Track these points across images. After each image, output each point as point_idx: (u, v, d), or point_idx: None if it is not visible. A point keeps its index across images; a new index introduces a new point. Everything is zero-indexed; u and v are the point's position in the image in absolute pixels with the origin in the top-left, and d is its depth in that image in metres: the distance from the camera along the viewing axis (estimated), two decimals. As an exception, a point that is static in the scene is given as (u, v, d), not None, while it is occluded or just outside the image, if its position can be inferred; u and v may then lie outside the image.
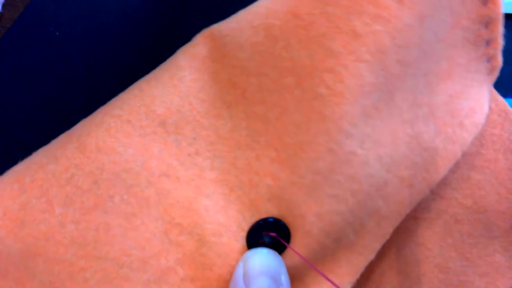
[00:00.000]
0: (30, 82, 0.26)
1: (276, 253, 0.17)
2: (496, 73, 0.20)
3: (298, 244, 0.18)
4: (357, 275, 0.19)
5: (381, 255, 0.21)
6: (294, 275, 0.18)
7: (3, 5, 0.25)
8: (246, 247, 0.17)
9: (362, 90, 0.16)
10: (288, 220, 0.17)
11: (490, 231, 0.20)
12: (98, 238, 0.16)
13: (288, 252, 0.18)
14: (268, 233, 0.17)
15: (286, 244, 0.17)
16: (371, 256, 0.19)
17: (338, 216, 0.17)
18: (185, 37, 0.26)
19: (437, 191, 0.20)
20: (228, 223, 0.17)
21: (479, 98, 0.20)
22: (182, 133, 0.17)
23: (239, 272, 0.16)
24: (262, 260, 0.17)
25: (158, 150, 0.17)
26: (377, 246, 0.19)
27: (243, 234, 0.17)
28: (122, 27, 0.27)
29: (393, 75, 0.16)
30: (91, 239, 0.16)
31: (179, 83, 0.17)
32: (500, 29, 0.19)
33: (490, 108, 0.21)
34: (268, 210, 0.17)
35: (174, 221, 0.17)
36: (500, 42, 0.19)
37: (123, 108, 0.17)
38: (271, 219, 0.17)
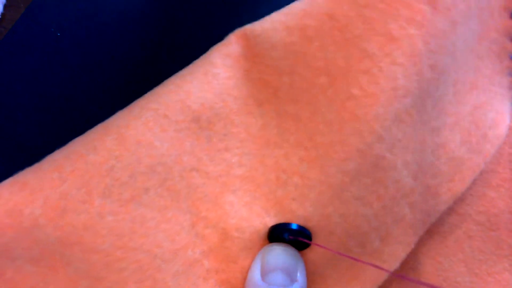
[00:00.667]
0: (31, 83, 0.26)
1: (295, 250, 0.17)
2: None
3: (321, 244, 0.18)
4: (378, 284, 0.19)
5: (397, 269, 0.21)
6: (315, 275, 0.18)
7: (5, 6, 0.25)
8: (267, 241, 0.18)
9: (396, 94, 0.16)
10: (313, 221, 0.18)
11: (501, 249, 0.20)
12: (134, 229, 0.16)
13: (309, 252, 0.18)
14: (290, 230, 0.17)
15: (307, 241, 0.17)
16: (395, 264, 0.19)
17: (363, 219, 0.18)
18: (186, 38, 0.26)
19: (452, 206, 0.21)
20: (251, 219, 0.18)
21: (502, 111, 0.20)
22: (214, 129, 0.18)
23: (257, 265, 0.17)
24: (279, 255, 0.17)
25: (190, 145, 0.17)
26: (402, 255, 0.19)
27: (266, 230, 0.18)
28: (123, 27, 0.27)
29: (426, 80, 0.16)
30: (128, 231, 0.16)
31: (213, 79, 0.18)
32: None
33: (510, 127, 0.21)
34: (293, 209, 0.18)
35: (200, 214, 0.17)
36: None
37: (160, 102, 0.17)
38: (294, 226, 0.17)
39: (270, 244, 0.18)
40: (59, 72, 0.25)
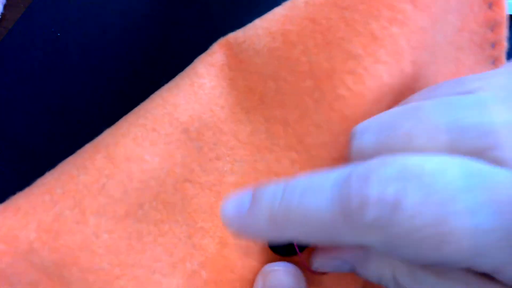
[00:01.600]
0: (31, 83, 0.26)
1: (293, 268, 0.17)
2: None
3: None
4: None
5: None
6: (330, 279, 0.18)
7: (5, 6, 0.25)
8: (266, 248, 0.18)
9: (380, 91, 0.16)
10: None
11: None
12: (131, 246, 0.16)
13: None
14: None
15: (298, 252, 0.17)
16: None
17: None
18: (186, 38, 0.26)
19: None
20: None
21: None
22: (203, 139, 0.18)
23: (259, 286, 0.17)
24: (277, 277, 0.17)
25: (181, 157, 0.17)
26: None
27: None
28: (124, 28, 0.27)
29: (407, 75, 0.17)
30: (125, 248, 0.16)
31: (199, 90, 0.18)
32: (505, 31, 0.20)
33: None
34: None
35: (197, 225, 0.18)
36: (505, 45, 0.20)
37: (147, 117, 0.17)
38: None
39: (268, 265, 0.18)
40: (59, 72, 0.25)
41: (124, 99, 0.26)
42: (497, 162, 0.11)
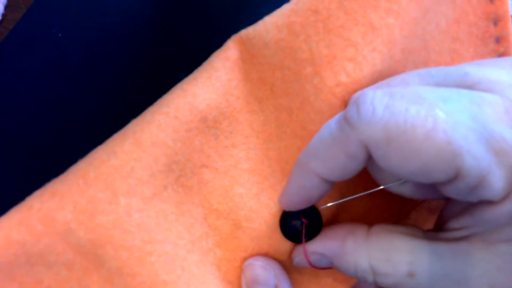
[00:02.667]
0: (33, 83, 0.26)
1: (272, 263, 0.19)
2: None
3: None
4: None
5: None
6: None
7: (6, 6, 0.25)
8: (277, 231, 0.19)
9: (373, 77, 0.17)
10: (318, 206, 0.19)
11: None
12: (159, 224, 0.17)
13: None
14: (299, 218, 0.19)
15: (303, 240, 0.19)
16: None
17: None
18: (187, 38, 0.26)
19: None
20: (259, 209, 0.19)
21: None
22: (220, 128, 0.19)
23: (242, 280, 0.19)
24: (254, 271, 0.19)
25: (199, 143, 0.18)
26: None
27: (275, 220, 0.19)
28: (124, 28, 0.27)
29: (396, 62, 0.18)
30: (154, 226, 0.17)
31: (216, 82, 0.19)
32: (510, 27, 0.20)
33: None
34: None
35: (212, 207, 0.19)
36: (511, 40, 0.20)
37: (169, 106, 0.18)
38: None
39: (250, 259, 0.19)
40: (60, 72, 0.25)
41: (125, 98, 0.26)
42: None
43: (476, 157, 0.12)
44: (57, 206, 0.16)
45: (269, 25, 0.18)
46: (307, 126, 0.18)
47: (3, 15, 0.25)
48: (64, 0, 0.27)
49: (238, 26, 0.19)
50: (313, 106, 0.18)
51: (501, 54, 0.20)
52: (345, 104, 0.17)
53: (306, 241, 0.18)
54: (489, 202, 0.13)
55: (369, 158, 0.15)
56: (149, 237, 0.17)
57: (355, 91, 0.17)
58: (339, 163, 0.15)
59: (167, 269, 0.17)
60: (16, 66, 0.25)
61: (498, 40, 0.20)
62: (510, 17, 0.20)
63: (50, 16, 0.26)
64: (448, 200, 0.16)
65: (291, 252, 0.19)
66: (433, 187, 0.15)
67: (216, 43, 0.20)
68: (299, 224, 0.19)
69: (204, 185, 0.19)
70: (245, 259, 0.19)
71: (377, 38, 0.17)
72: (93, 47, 0.26)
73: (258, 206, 0.19)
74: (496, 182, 0.13)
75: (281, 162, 0.19)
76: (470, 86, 0.14)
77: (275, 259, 0.19)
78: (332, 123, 0.15)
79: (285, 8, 0.18)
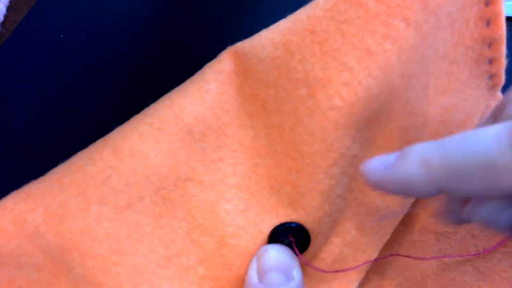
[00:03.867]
0: (34, 84, 0.26)
1: (288, 249, 0.18)
2: (497, 90, 0.21)
3: (313, 243, 0.19)
4: (362, 273, 0.20)
5: (399, 268, 0.22)
6: (319, 276, 0.19)
7: (8, 8, 0.25)
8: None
9: (369, 102, 0.17)
10: (306, 225, 0.19)
11: (507, 247, 0.20)
12: (130, 235, 0.17)
13: (308, 252, 0.19)
14: (288, 236, 0.18)
15: (296, 250, 0.18)
16: (374, 254, 0.20)
17: (341, 212, 0.19)
18: (188, 40, 0.26)
19: None
20: (246, 226, 0.18)
21: (472, 113, 0.21)
22: (207, 141, 0.19)
23: (253, 267, 0.18)
24: (274, 255, 0.18)
25: (185, 156, 0.18)
26: (379, 245, 0.20)
27: (262, 237, 0.19)
28: (126, 30, 0.27)
29: (395, 88, 0.18)
30: (123, 236, 0.17)
31: (206, 95, 0.18)
32: (503, 49, 0.20)
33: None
34: (288, 214, 0.19)
35: (197, 222, 0.18)
36: (503, 62, 0.20)
37: (154, 117, 0.18)
38: (293, 224, 0.18)
39: (265, 245, 0.18)
40: (61, 73, 0.26)
41: (126, 99, 0.27)
42: None
43: None
44: (29, 208, 0.16)
45: (265, 41, 0.18)
46: (299, 147, 0.18)
47: (5, 16, 0.25)
48: (66, 2, 0.27)
49: (238, 26, 0.19)
50: (306, 127, 0.18)
51: (493, 75, 0.21)
52: (337, 127, 0.17)
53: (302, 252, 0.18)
54: None
55: None
56: (117, 247, 0.17)
57: (349, 114, 0.17)
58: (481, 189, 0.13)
59: (132, 282, 0.17)
60: (18, 67, 0.25)
61: (491, 61, 0.20)
62: (504, 40, 0.20)
63: (51, 17, 0.26)
64: None
65: None
66: None
67: (216, 43, 0.20)
68: (287, 241, 0.18)
69: (188, 199, 0.18)
70: (230, 278, 0.18)
71: (373, 64, 0.17)
72: (94, 49, 0.26)
73: (245, 223, 0.18)
74: None
75: (270, 179, 0.19)
76: None
77: None
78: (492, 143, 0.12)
79: (282, 25, 0.18)
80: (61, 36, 0.26)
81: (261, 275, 0.17)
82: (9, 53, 0.25)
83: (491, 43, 0.20)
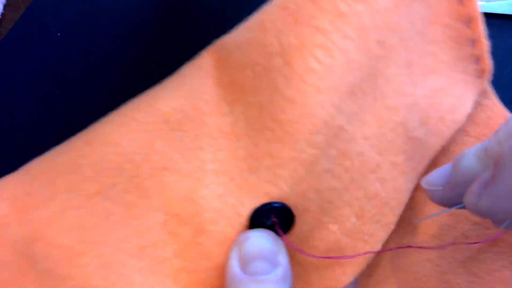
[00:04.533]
0: (32, 83, 0.26)
1: (271, 232, 0.17)
2: (487, 76, 0.21)
3: (299, 223, 0.18)
4: (362, 266, 0.19)
5: (390, 271, 0.21)
6: (309, 262, 0.18)
7: (5, 6, 0.25)
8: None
9: (349, 67, 0.17)
10: (289, 200, 0.18)
11: (498, 246, 0.20)
12: (98, 223, 0.16)
13: (295, 234, 0.18)
14: (270, 217, 0.17)
15: (280, 231, 0.17)
16: (377, 246, 0.19)
17: (335, 192, 0.18)
18: (186, 39, 0.27)
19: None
20: (224, 210, 0.17)
21: (462, 97, 0.21)
22: (185, 130, 0.18)
23: (234, 257, 0.16)
24: (256, 242, 0.16)
25: (160, 145, 0.18)
26: (383, 236, 0.19)
27: (241, 220, 0.18)
28: (123, 28, 0.28)
29: (375, 57, 0.18)
30: (91, 225, 0.16)
31: (184, 87, 0.18)
32: (481, 28, 0.20)
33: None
34: (268, 192, 0.18)
35: (173, 211, 0.17)
36: (485, 43, 0.20)
37: (130, 108, 0.18)
38: (275, 204, 0.17)
39: (245, 232, 0.17)
40: (59, 72, 0.26)
41: (124, 98, 0.27)
42: None
43: None
44: None
45: (241, 28, 0.18)
46: (277, 116, 0.17)
47: (2, 14, 0.25)
48: (63, 0, 0.27)
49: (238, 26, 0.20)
50: (284, 95, 0.17)
51: (478, 58, 0.20)
52: (317, 91, 0.17)
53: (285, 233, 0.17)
54: None
55: None
56: (84, 236, 0.16)
57: (328, 77, 0.17)
58: None
59: (100, 273, 0.16)
60: (15, 66, 0.25)
61: (473, 42, 0.20)
62: (481, 18, 0.20)
63: (49, 15, 0.26)
64: None
65: None
66: None
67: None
68: (269, 223, 0.17)
69: (164, 188, 0.17)
70: (208, 268, 0.17)
71: (346, 25, 0.17)
72: (92, 47, 0.26)
73: (223, 206, 0.18)
74: None
75: (249, 159, 0.18)
76: None
77: None
78: None
79: (258, 11, 0.18)
80: (58, 34, 0.26)
81: (243, 264, 0.16)
82: (6, 51, 0.25)
83: (469, 22, 0.20)
